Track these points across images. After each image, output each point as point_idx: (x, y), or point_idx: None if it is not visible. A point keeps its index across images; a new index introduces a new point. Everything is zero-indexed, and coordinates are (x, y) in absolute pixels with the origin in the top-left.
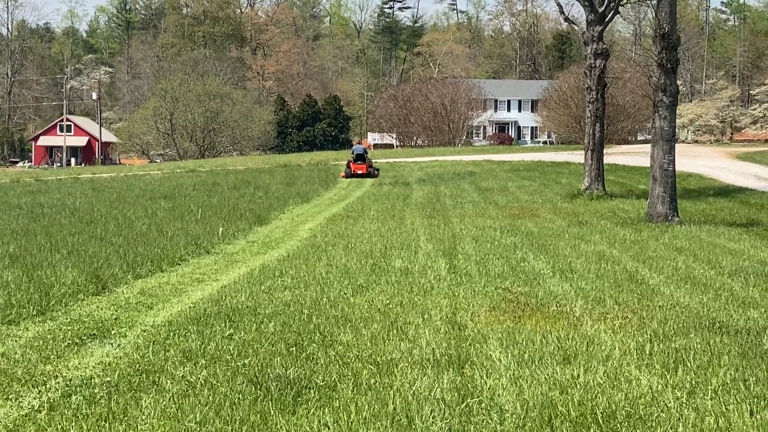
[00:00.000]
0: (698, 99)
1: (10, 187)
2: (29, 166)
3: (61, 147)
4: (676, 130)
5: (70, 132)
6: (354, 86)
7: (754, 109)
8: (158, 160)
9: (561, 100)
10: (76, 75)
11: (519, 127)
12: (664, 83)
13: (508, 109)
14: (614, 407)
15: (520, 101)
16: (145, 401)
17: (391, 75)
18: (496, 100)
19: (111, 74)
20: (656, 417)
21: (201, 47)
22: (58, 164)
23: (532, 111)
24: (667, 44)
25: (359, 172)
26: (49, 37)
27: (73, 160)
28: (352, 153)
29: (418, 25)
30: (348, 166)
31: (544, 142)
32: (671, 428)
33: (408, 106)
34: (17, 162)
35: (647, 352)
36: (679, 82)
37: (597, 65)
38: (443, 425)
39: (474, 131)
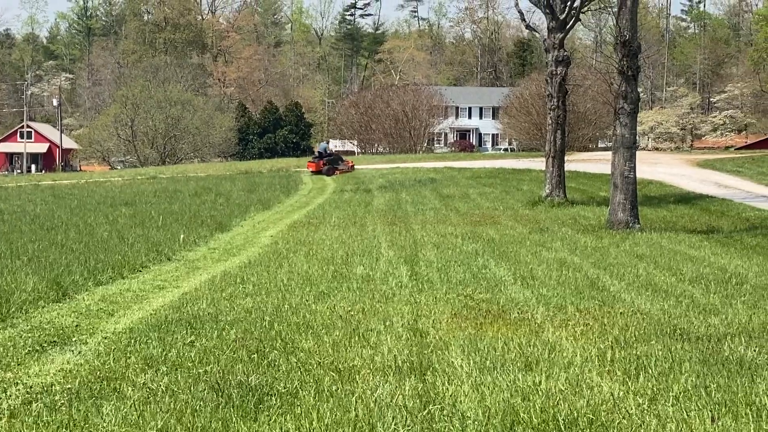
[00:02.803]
0: (659, 106)
1: None
2: None
3: (21, 154)
4: (637, 138)
5: (31, 139)
6: (315, 93)
7: (714, 117)
8: (119, 167)
9: (522, 108)
10: (36, 81)
11: (480, 134)
12: (625, 90)
13: (470, 116)
14: (576, 414)
15: (481, 108)
16: (106, 408)
17: (352, 82)
18: (457, 107)
19: (72, 81)
20: (618, 423)
21: (162, 54)
22: (18, 171)
23: (493, 118)
24: (628, 52)
25: (311, 169)
26: (10, 43)
27: (33, 167)
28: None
29: (379, 32)
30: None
31: (506, 149)
32: None
33: (369, 113)
34: None
35: (609, 359)
36: (639, 90)
37: (558, 72)
38: None
39: (435, 138)
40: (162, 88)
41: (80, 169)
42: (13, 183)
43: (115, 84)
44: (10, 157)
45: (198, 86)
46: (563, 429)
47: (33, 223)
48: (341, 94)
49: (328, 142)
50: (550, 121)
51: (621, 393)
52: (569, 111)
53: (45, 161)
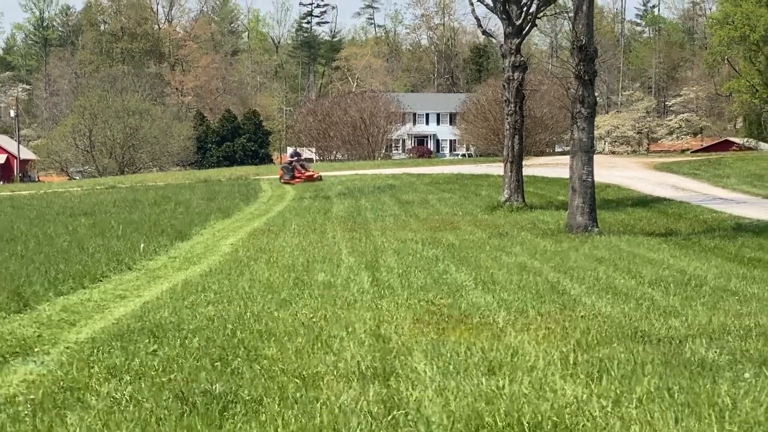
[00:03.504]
0: (615, 110)
1: None
2: None
3: None
4: (594, 142)
5: None
6: (273, 101)
7: (670, 120)
8: (77, 177)
9: (479, 113)
10: None
11: (438, 140)
12: (582, 95)
13: (427, 123)
14: (540, 417)
15: (438, 114)
16: (71, 419)
17: (310, 89)
18: (414, 114)
19: (29, 91)
20: (582, 426)
21: (119, 63)
22: None
23: (450, 124)
24: (584, 56)
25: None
26: None
27: None
28: None
29: (336, 39)
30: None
31: (463, 155)
32: None
33: (327, 121)
34: None
35: (571, 362)
36: (596, 94)
37: (515, 78)
38: None
39: (393, 145)
40: (120, 98)
41: (39, 180)
42: None
43: (72, 94)
44: None
45: (156, 95)
46: None
47: None
48: (299, 102)
49: (295, 149)
50: (507, 126)
51: (585, 396)
52: (526, 116)
53: (3, 172)
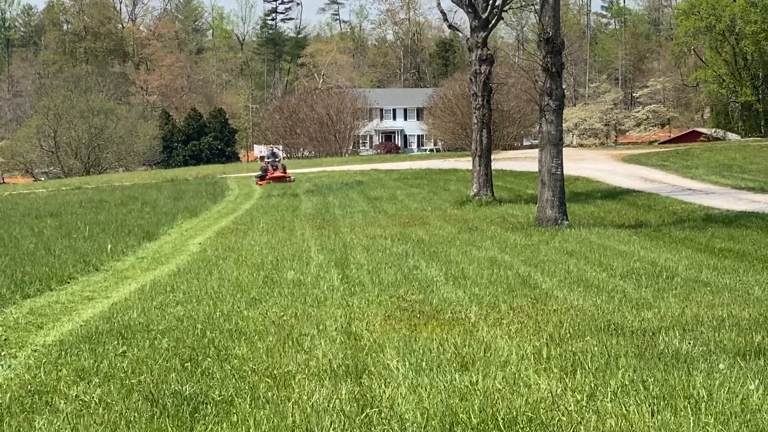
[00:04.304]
0: (582, 103)
1: None
2: None
3: None
4: (563, 134)
5: None
6: (239, 99)
7: (638, 112)
8: (43, 178)
9: (446, 108)
10: None
11: (405, 136)
12: (550, 87)
13: (394, 118)
14: (515, 413)
15: (405, 110)
16: (39, 422)
17: (275, 86)
18: (381, 109)
19: None
20: (558, 421)
21: (83, 63)
22: None
23: (418, 119)
24: (551, 48)
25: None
26: None
27: None
28: None
29: (301, 36)
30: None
31: (431, 150)
32: (573, 430)
33: (294, 118)
34: None
35: (545, 356)
36: (563, 87)
37: (482, 71)
38: None
39: (361, 141)
40: (84, 98)
41: (3, 182)
42: None
43: (36, 95)
44: None
45: (120, 95)
46: (503, 428)
47: None
48: (265, 100)
49: (272, 149)
50: (475, 120)
51: (559, 390)
52: (494, 110)
53: None
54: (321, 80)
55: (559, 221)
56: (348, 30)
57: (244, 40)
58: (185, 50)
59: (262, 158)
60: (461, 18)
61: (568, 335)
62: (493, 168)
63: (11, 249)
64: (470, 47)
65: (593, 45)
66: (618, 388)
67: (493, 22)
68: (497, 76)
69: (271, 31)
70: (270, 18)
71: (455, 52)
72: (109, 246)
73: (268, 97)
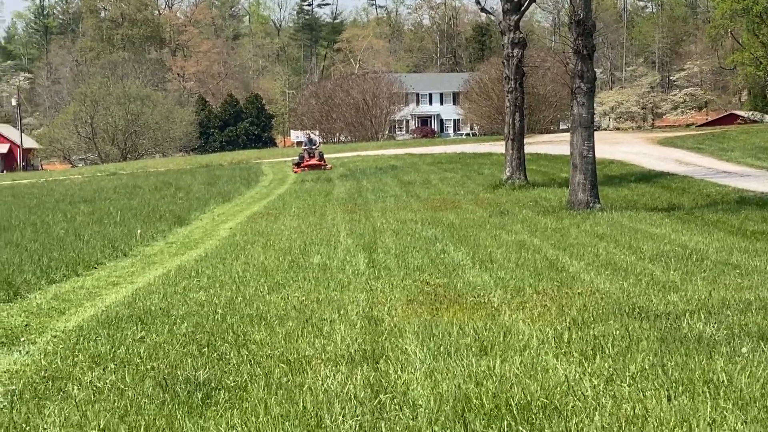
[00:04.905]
0: (619, 86)
1: None
2: None
3: None
4: (598, 118)
5: None
6: (275, 84)
7: (674, 95)
8: (80, 165)
9: (482, 92)
10: None
11: (442, 120)
12: (581, 70)
13: (430, 103)
14: (529, 398)
15: (441, 94)
16: (49, 409)
17: (312, 72)
18: (417, 94)
19: (30, 80)
20: (572, 406)
21: (120, 50)
22: None
23: (454, 104)
24: (582, 30)
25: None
26: None
27: None
28: None
29: (337, 21)
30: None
31: (467, 134)
32: (587, 417)
33: (330, 103)
34: None
35: (565, 340)
36: (599, 70)
37: (514, 54)
38: (353, 423)
39: (397, 126)
40: (121, 84)
41: (42, 168)
42: None
43: (73, 82)
44: None
45: (157, 81)
46: (516, 414)
47: None
48: (301, 85)
49: (308, 135)
50: (508, 104)
51: (577, 375)
52: (529, 93)
53: (6, 161)
54: (357, 65)
55: (591, 204)
56: (384, 15)
57: (280, 25)
58: (222, 36)
59: (299, 144)
60: (495, 1)
61: (591, 319)
62: (527, 151)
63: (42, 235)
64: (502, 30)
65: (630, 28)
66: (637, 372)
67: (525, 5)
68: (533, 59)
69: (307, 17)
70: (306, 3)
71: (491, 36)
72: (138, 231)
73: (305, 82)
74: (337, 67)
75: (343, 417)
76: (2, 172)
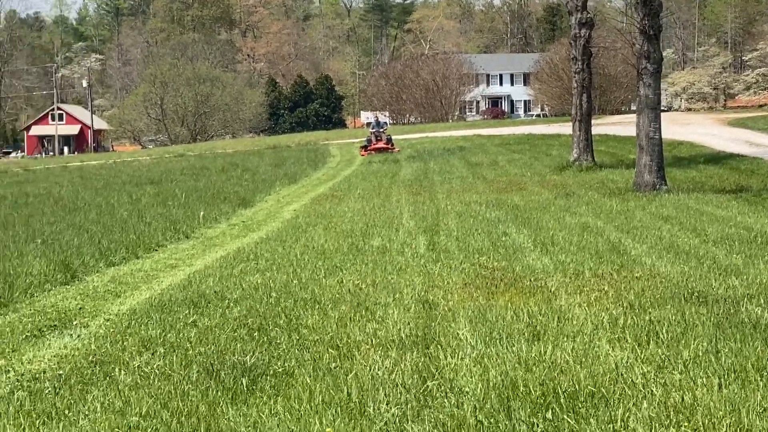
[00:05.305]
0: (691, 67)
1: None
2: (22, 156)
3: (53, 136)
4: (670, 99)
5: (62, 121)
6: (345, 65)
7: (747, 75)
8: (151, 146)
9: (553, 73)
10: (66, 63)
11: (512, 101)
12: (648, 50)
13: (501, 84)
14: (577, 386)
15: (512, 75)
16: (93, 394)
17: (382, 53)
18: (488, 75)
19: (102, 61)
20: (620, 394)
21: (190, 31)
22: (51, 153)
23: (524, 84)
24: (649, 11)
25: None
26: (39, 26)
27: (66, 148)
28: None
29: (408, 2)
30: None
31: (537, 115)
32: (635, 406)
33: (399, 84)
34: (10, 152)
35: (620, 326)
36: (670, 50)
37: (582, 35)
38: (396, 411)
39: (467, 106)
40: (191, 66)
41: (113, 150)
42: (42, 165)
43: (144, 63)
44: (43, 139)
45: (227, 62)
46: (562, 402)
47: (56, 205)
48: (371, 66)
49: (376, 117)
50: (575, 85)
51: (629, 361)
52: (600, 74)
53: (77, 143)
54: (427, 46)
55: (657, 186)
56: None
57: (351, 6)
58: (292, 17)
59: (368, 125)
60: None
61: (648, 303)
62: (596, 133)
63: (105, 216)
64: (570, 11)
65: (702, 8)
66: (689, 359)
67: None
68: (602, 40)
69: None
70: None
71: (562, 16)
72: (201, 213)
73: (375, 63)
74: (407, 48)
75: (387, 404)
76: (73, 153)
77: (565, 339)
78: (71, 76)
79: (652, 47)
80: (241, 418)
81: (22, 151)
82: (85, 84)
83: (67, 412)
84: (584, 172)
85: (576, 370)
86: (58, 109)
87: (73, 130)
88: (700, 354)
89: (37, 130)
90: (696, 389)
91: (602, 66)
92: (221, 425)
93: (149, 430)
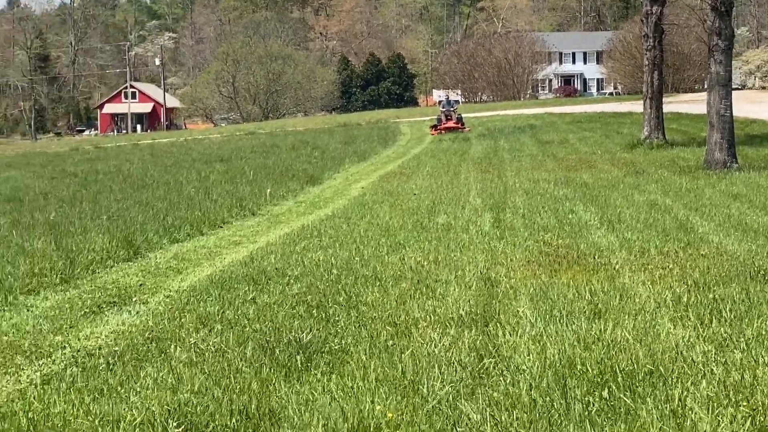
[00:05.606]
0: (765, 45)
1: (68, 156)
2: (95, 135)
3: (126, 114)
4: (744, 77)
5: (135, 99)
6: (418, 44)
7: None
8: (223, 124)
9: (626, 51)
10: (140, 42)
11: (585, 79)
12: (719, 27)
13: (573, 62)
14: (636, 364)
15: (585, 53)
16: (146, 371)
17: (454, 31)
18: (560, 53)
19: (175, 40)
20: (678, 374)
21: (263, 9)
22: (124, 131)
23: (597, 63)
24: None
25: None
26: (113, 4)
27: (138, 126)
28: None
29: None
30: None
31: (610, 94)
32: (693, 385)
33: (471, 62)
34: (84, 130)
35: (683, 304)
36: (745, 28)
37: (653, 12)
38: (450, 389)
39: (539, 85)
40: (263, 44)
41: (185, 128)
42: (113, 143)
43: (216, 41)
44: (116, 117)
45: (299, 41)
46: (619, 381)
47: (124, 182)
48: (444, 44)
49: (447, 96)
50: (646, 62)
51: (690, 339)
52: (673, 52)
53: (150, 121)
54: (500, 24)
55: (728, 164)
56: None
57: None
58: None
59: (440, 103)
60: None
61: (713, 282)
62: (668, 111)
63: (173, 194)
64: None
65: None
66: (752, 338)
67: None
68: (676, 17)
69: None
70: None
71: None
72: (268, 190)
73: (447, 41)
74: (480, 26)
75: (441, 382)
76: (146, 131)
77: (626, 317)
78: (144, 54)
79: (724, 24)
80: (293, 396)
81: (96, 129)
82: (158, 62)
83: (119, 388)
84: (655, 150)
85: (635, 348)
86: (131, 87)
87: (146, 108)
88: (763, 333)
89: (110, 109)
90: (757, 368)
91: (675, 44)
92: (272, 403)
93: (199, 407)
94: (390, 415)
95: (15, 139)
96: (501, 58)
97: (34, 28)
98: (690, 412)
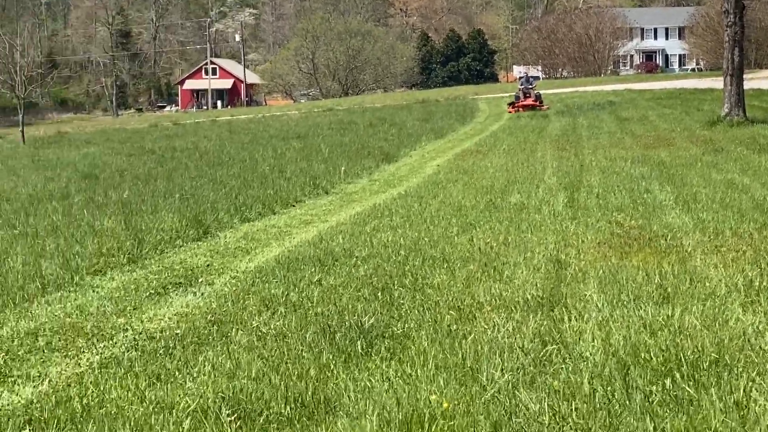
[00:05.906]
0: None
1: (147, 132)
2: (176, 111)
3: (206, 90)
4: None
5: (216, 75)
6: (498, 19)
7: None
8: (303, 100)
9: (708, 26)
10: (220, 18)
11: (667, 55)
12: None
13: (655, 38)
14: (701, 352)
15: (667, 29)
16: (205, 356)
17: (535, 7)
18: (642, 29)
19: (255, 16)
20: (745, 363)
21: None
22: (205, 107)
23: (679, 38)
24: None
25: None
26: None
27: (219, 102)
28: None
29: None
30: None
31: (693, 69)
32: (759, 375)
33: (552, 38)
34: (165, 106)
35: (755, 288)
36: None
37: None
38: (510, 377)
39: (620, 61)
40: (342, 20)
41: (265, 104)
42: (192, 120)
43: (296, 18)
44: (196, 93)
45: (379, 17)
46: (684, 370)
47: (200, 160)
48: (524, 20)
49: (526, 74)
50: (726, 38)
51: (760, 326)
52: (756, 28)
53: (230, 97)
54: (581, 0)
55: None
56: None
57: None
58: None
59: (519, 80)
60: None
61: None
62: (751, 87)
63: (247, 171)
64: None
65: None
66: None
67: None
68: None
69: None
70: None
71: None
72: (343, 168)
73: (528, 17)
74: (561, 2)
75: (501, 370)
76: (226, 107)
77: (695, 302)
78: (225, 30)
79: None
80: (351, 383)
81: (176, 105)
82: (238, 38)
83: (176, 373)
84: (735, 128)
85: (702, 335)
86: (212, 63)
87: (226, 84)
88: None
89: (190, 85)
90: None
91: (758, 19)
92: (329, 390)
93: (254, 394)
94: (446, 404)
95: (97, 114)
96: (582, 33)
97: (115, 4)
98: (754, 404)
